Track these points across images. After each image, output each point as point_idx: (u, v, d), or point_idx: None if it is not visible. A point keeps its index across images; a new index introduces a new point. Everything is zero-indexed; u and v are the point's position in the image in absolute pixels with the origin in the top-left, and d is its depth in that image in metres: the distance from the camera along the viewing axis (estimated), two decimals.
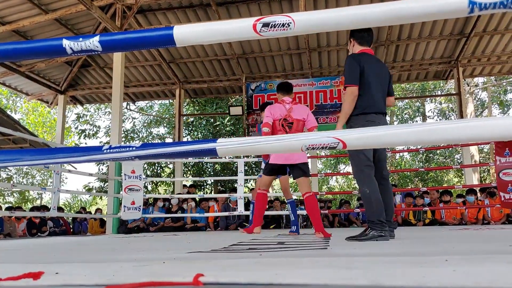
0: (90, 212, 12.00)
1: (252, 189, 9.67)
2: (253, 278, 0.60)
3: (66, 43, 1.18)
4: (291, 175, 4.32)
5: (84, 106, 15.10)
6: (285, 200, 5.00)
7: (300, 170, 4.07)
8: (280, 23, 1.08)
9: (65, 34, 9.47)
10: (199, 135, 16.18)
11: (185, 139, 15.50)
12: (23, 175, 21.24)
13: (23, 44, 1.22)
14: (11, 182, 18.45)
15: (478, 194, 7.96)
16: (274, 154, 4.11)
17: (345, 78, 3.06)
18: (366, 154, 3.07)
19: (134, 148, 1.14)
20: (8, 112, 17.20)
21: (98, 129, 18.05)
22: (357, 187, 3.08)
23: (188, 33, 1.15)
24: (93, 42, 1.16)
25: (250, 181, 13.95)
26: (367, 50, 3.20)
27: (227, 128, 15.68)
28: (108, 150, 1.15)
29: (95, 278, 0.76)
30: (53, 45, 1.19)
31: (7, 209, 9.14)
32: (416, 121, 20.88)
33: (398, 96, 19.49)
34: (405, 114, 20.87)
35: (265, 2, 8.92)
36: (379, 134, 1.02)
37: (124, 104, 13.86)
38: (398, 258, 1.30)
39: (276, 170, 4.26)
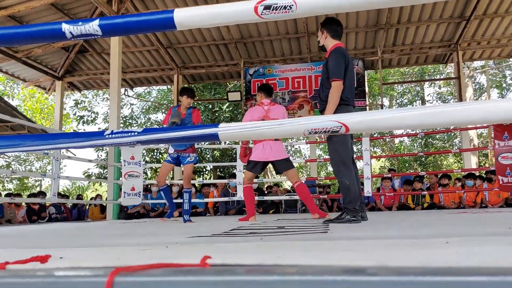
0: (81, 198, 12.04)
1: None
2: (259, 260, 0.60)
3: (65, 27, 1.16)
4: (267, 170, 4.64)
5: (82, 92, 15.02)
6: (184, 188, 5.14)
7: (285, 163, 4.40)
8: (282, 6, 1.07)
9: (61, 19, 9.35)
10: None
11: None
12: (21, 161, 21.25)
13: (22, 29, 1.20)
14: (10, 168, 18.46)
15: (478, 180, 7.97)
16: (256, 152, 4.41)
17: (333, 73, 3.28)
18: (348, 148, 3.43)
19: (136, 133, 1.13)
20: (5, 98, 17.10)
21: (96, 115, 18.00)
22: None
23: (189, 16, 1.14)
24: (93, 26, 1.15)
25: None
26: (341, 44, 3.42)
27: (226, 114, 15.64)
28: (110, 135, 1.15)
29: (103, 260, 0.77)
30: (52, 29, 1.17)
31: (7, 195, 9.16)
32: (416, 105, 20.85)
33: (397, 80, 19.42)
34: (405, 98, 20.83)
35: None
36: (382, 117, 1.01)
37: (122, 90, 13.78)
38: (399, 241, 1.31)
39: (259, 166, 4.46)
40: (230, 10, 1.13)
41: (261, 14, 1.10)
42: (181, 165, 5.06)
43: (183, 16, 1.13)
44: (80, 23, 1.16)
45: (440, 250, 0.86)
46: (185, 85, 13.05)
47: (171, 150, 5.03)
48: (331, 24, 3.44)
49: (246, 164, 4.64)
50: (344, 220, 3.32)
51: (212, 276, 0.48)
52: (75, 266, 0.65)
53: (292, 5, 1.05)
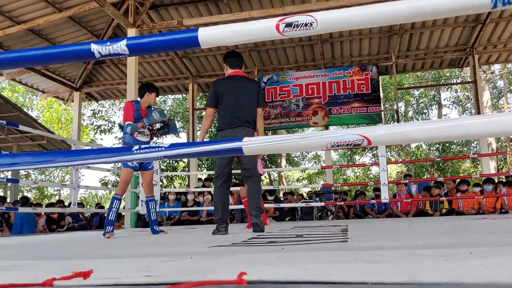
0: (102, 207, 12.21)
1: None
2: (294, 276, 0.63)
3: (94, 47, 1.21)
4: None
5: (99, 102, 15.28)
6: (149, 197, 4.58)
7: None
8: (303, 23, 1.10)
9: (79, 31, 9.58)
10: (213, 129, 16.23)
11: (198, 133, 15.55)
12: (40, 171, 21.62)
13: (52, 49, 1.26)
14: (30, 178, 18.81)
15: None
16: (259, 165, 4.62)
17: (206, 102, 3.86)
18: None
19: (162, 148, 1.18)
20: (25, 110, 17.47)
21: (113, 124, 18.26)
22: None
23: (213, 34, 1.18)
24: (121, 46, 1.19)
25: (264, 174, 13.98)
26: (236, 72, 3.82)
27: None
28: (138, 151, 1.19)
29: (136, 272, 0.80)
30: (82, 50, 1.22)
31: (29, 205, 9.32)
32: (432, 110, 20.64)
33: (413, 85, 19.27)
34: (421, 103, 20.62)
35: None
36: (404, 130, 1.03)
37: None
38: (421, 251, 1.31)
39: None
40: (253, 28, 1.16)
41: (283, 32, 1.13)
42: (142, 171, 4.48)
43: (207, 35, 1.17)
44: (108, 43, 1.21)
45: (465, 261, 0.87)
46: (200, 93, 13.09)
47: None
48: (228, 57, 3.88)
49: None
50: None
51: None
52: (118, 283, 0.69)
53: (313, 22, 1.08)
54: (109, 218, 4.09)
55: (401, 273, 0.69)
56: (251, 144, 1.14)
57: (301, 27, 1.10)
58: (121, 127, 4.40)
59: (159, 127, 4.52)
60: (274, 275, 0.62)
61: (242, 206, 7.84)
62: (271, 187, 8.67)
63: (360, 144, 1.05)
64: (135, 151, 1.19)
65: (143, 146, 1.19)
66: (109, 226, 4.05)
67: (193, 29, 1.18)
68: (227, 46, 10.60)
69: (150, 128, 4.41)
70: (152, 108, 4.44)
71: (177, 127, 4.65)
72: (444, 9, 1.03)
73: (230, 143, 1.16)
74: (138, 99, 4.48)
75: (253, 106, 3.77)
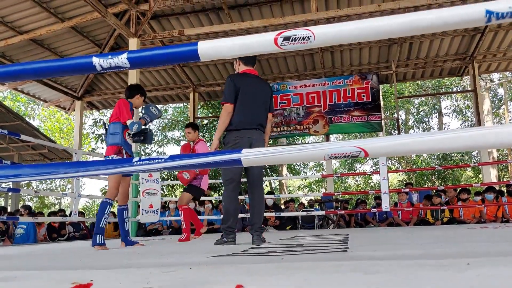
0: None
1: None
2: (292, 287, 0.64)
3: (96, 60, 1.23)
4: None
5: (101, 111, 15.34)
6: (124, 205, 4.08)
7: None
8: (301, 37, 1.12)
9: (81, 41, 9.64)
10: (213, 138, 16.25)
11: None
12: (41, 179, 21.61)
13: (55, 62, 1.28)
14: (31, 187, 18.82)
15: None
16: (204, 182, 5.02)
17: (223, 97, 3.45)
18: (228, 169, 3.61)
19: (162, 160, 1.19)
20: (27, 119, 17.52)
21: None
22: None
23: (212, 48, 1.20)
24: (122, 59, 1.22)
25: (264, 182, 13.98)
26: (249, 70, 3.59)
27: None
28: (138, 163, 1.20)
29: (136, 283, 0.81)
30: (84, 63, 1.25)
31: (29, 214, 9.32)
32: (432, 118, 20.66)
33: (413, 93, 19.32)
34: (421, 111, 20.66)
35: (277, 4, 8.95)
36: (402, 142, 1.05)
37: (140, 108, 14.00)
38: (420, 261, 1.32)
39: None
40: (252, 41, 1.19)
41: (281, 45, 1.15)
42: (124, 177, 4.04)
43: (207, 48, 1.19)
44: (109, 56, 1.23)
45: (462, 273, 0.87)
46: (201, 102, 13.08)
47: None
48: None
49: (188, 187, 5.00)
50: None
51: None
52: None
53: (310, 36, 1.10)
54: (100, 226, 3.58)
55: (399, 283, 0.69)
56: (250, 156, 1.15)
57: (298, 40, 1.12)
58: (105, 126, 4.09)
59: (135, 131, 3.89)
60: (272, 286, 0.63)
61: (243, 215, 7.82)
62: (272, 196, 8.65)
63: (357, 155, 1.07)
64: (135, 163, 1.20)
65: (143, 157, 1.21)
66: (99, 235, 3.56)
67: (193, 42, 1.21)
68: None
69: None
70: (148, 104, 4.19)
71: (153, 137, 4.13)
72: (440, 24, 1.05)
73: (229, 155, 1.17)
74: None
75: (266, 109, 3.57)
